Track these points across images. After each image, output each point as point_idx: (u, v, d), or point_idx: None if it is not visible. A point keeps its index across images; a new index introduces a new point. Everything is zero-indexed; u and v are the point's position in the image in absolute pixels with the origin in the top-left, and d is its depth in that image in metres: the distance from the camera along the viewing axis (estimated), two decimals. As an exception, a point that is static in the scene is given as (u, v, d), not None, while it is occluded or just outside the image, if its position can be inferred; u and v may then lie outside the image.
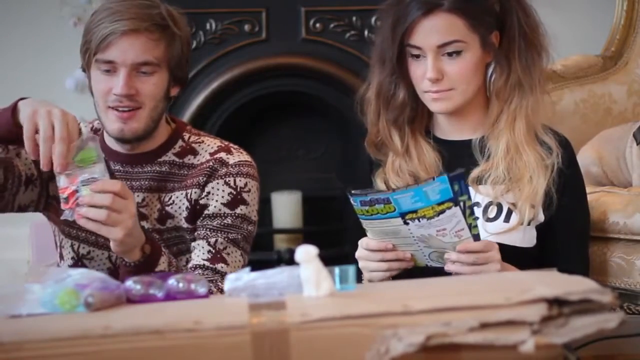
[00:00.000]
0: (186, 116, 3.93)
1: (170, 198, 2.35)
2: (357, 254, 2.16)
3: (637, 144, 2.95)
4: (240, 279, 1.77)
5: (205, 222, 2.34)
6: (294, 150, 4.19)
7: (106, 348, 1.52)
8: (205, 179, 2.34)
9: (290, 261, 1.93)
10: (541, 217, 2.27)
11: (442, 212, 2.01)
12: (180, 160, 2.36)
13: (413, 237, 2.06)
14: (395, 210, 2.03)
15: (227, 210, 2.34)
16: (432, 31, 2.23)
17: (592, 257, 2.80)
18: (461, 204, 2.01)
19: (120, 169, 2.35)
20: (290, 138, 4.18)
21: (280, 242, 4.10)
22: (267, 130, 4.14)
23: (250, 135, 4.05)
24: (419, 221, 2.03)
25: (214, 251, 2.32)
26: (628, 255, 2.79)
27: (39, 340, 1.53)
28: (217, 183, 2.34)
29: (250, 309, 1.59)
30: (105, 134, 2.36)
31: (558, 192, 2.27)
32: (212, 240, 2.33)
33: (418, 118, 2.36)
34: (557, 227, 2.28)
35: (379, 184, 2.34)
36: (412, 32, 2.24)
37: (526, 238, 2.25)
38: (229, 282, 1.78)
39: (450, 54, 2.24)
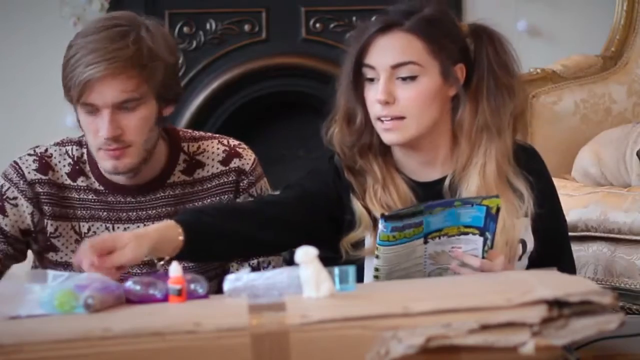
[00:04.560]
0: (186, 116, 3.93)
1: None
2: None
3: None
4: (240, 280, 1.77)
5: None
6: (294, 150, 4.18)
7: (106, 350, 1.52)
8: (233, 195, 2.28)
9: (290, 262, 1.92)
10: (531, 246, 2.16)
11: (465, 234, 1.97)
12: (190, 178, 2.27)
13: (426, 254, 2.00)
14: (422, 231, 1.96)
15: None
16: (387, 49, 2.10)
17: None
18: (486, 235, 1.97)
19: (132, 199, 2.24)
20: (290, 138, 4.17)
21: (280, 243, 4.10)
22: (267, 130, 4.14)
23: (250, 135, 4.04)
24: (439, 239, 1.98)
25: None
26: (628, 256, 2.79)
27: (39, 342, 1.53)
28: (245, 198, 2.29)
29: (250, 310, 1.59)
30: None
31: (538, 214, 2.14)
32: (253, 262, 2.30)
33: (389, 151, 2.19)
34: (542, 237, 2.17)
35: (356, 207, 2.15)
36: (368, 50, 2.13)
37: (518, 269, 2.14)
38: (228, 283, 1.78)
39: (404, 79, 2.10)
